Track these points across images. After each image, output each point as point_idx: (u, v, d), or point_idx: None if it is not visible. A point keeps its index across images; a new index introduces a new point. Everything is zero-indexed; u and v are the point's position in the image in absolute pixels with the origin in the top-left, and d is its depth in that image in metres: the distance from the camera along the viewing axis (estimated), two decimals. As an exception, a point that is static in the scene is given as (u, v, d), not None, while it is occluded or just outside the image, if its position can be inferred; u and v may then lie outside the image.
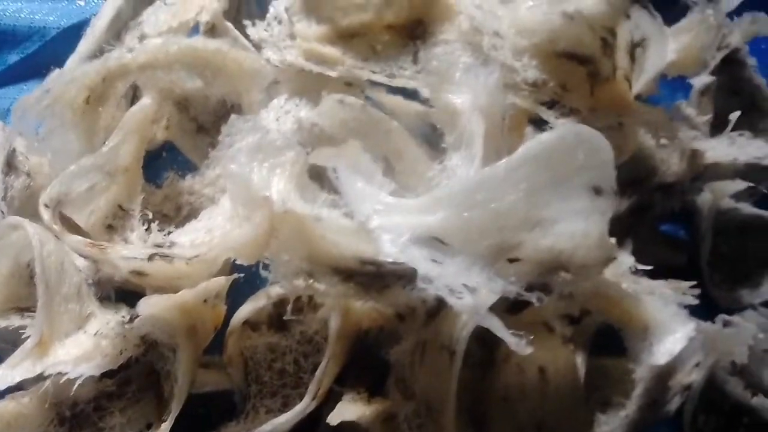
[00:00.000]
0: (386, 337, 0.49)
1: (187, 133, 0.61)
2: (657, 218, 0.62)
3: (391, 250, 0.32)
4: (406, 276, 0.43)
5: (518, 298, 0.34)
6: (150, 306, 0.41)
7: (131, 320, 0.47)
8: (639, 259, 0.52)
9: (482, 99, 0.46)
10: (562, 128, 0.33)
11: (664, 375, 0.49)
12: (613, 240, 0.43)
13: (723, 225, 0.62)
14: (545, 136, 0.32)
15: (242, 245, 0.42)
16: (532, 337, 0.33)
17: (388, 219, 0.34)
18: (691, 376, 0.52)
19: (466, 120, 0.46)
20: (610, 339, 0.52)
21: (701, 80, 0.61)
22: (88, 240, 0.43)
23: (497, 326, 0.31)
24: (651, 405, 0.50)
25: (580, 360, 0.51)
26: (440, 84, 0.47)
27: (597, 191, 0.34)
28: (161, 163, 0.63)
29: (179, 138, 0.61)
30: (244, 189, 0.43)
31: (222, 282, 0.44)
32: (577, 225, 0.34)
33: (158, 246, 0.43)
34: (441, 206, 0.33)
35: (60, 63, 0.70)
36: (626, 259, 0.45)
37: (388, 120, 0.47)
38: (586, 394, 0.50)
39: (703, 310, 0.54)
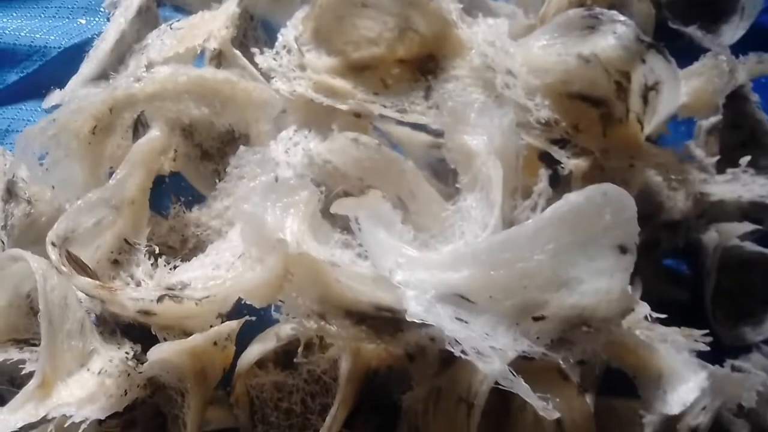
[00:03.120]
0: (396, 376, 0.49)
1: (191, 160, 0.60)
2: (662, 255, 0.62)
3: (416, 309, 0.32)
4: (419, 324, 0.42)
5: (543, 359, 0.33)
6: (161, 352, 0.40)
7: (135, 358, 0.46)
8: (643, 295, 0.53)
9: (497, 141, 0.46)
10: (590, 189, 0.32)
11: (673, 420, 0.49)
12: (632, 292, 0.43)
13: (726, 262, 0.62)
14: (573, 197, 0.32)
15: (255, 287, 0.42)
16: (549, 396, 0.33)
17: (411, 274, 0.34)
18: (698, 419, 0.52)
19: (481, 162, 0.45)
20: (616, 378, 0.52)
21: (709, 121, 0.61)
22: (98, 282, 0.42)
23: (525, 390, 0.31)
24: (658, 448, 0.50)
25: (588, 401, 0.51)
26: (455, 125, 0.47)
27: (622, 250, 0.34)
28: (163, 189, 0.62)
29: (183, 165, 0.60)
30: (258, 230, 0.42)
31: (233, 326, 0.43)
32: (601, 283, 0.34)
33: (169, 288, 0.42)
34: (466, 263, 0.33)
35: (60, 83, 0.70)
36: (642, 309, 0.44)
37: (402, 160, 0.47)
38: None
39: (708, 347, 0.54)
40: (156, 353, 0.40)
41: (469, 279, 0.33)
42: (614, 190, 0.33)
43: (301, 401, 0.49)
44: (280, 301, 0.43)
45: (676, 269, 0.66)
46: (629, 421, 0.52)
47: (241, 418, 0.48)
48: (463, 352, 0.31)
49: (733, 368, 0.51)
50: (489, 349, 0.31)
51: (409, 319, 0.33)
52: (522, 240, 0.32)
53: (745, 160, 0.57)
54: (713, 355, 0.54)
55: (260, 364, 0.50)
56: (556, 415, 0.31)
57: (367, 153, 0.46)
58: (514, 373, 0.31)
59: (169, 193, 0.61)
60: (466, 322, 0.32)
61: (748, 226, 0.58)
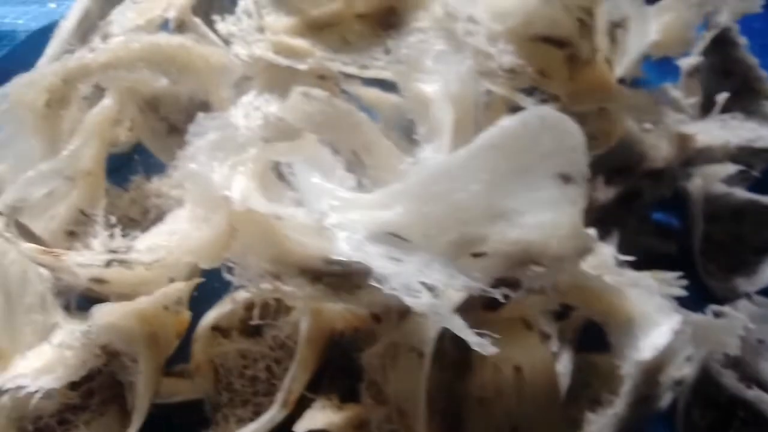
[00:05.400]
0: (363, 339, 0.47)
1: (157, 134, 0.59)
2: (647, 206, 0.60)
3: (345, 248, 0.30)
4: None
5: (484, 295, 0.31)
6: (105, 314, 0.39)
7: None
8: (627, 249, 0.50)
9: (453, 86, 0.44)
10: (525, 112, 0.30)
11: (652, 370, 0.47)
12: (591, 231, 0.40)
13: (716, 211, 0.59)
14: (507, 122, 0.30)
15: (201, 248, 0.41)
16: (499, 337, 0.31)
17: (344, 215, 0.32)
18: (682, 369, 0.50)
19: (436, 109, 0.43)
20: (599, 334, 0.50)
21: (688, 62, 0.58)
22: (42, 247, 0.41)
23: (458, 326, 0.29)
24: (641, 401, 0.48)
25: (566, 357, 0.49)
26: (410, 73, 0.45)
27: (565, 179, 0.32)
28: (133, 166, 0.61)
29: (150, 139, 0.59)
30: (203, 189, 0.41)
31: (181, 287, 0.42)
32: (545, 215, 0.32)
33: (114, 252, 0.41)
34: (398, 200, 0.31)
35: (30, 67, 0.69)
36: (608, 250, 0.42)
37: (355, 112, 0.45)
38: (576, 393, 0.48)
39: (698, 300, 0.52)
40: (101, 315, 0.39)
41: (402, 216, 0.31)
42: (553, 114, 0.31)
43: (266, 368, 0.48)
44: (232, 263, 0.42)
45: (666, 222, 0.64)
46: (610, 375, 0.50)
47: (204, 387, 0.47)
48: (392, 289, 0.29)
49: (716, 315, 0.48)
50: (420, 286, 0.29)
51: (335, 257, 0.31)
52: (454, 170, 0.30)
53: (723, 96, 0.54)
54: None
55: (224, 332, 0.49)
56: (493, 350, 0.29)
57: (319, 107, 0.45)
58: (446, 309, 0.29)
59: (138, 171, 0.60)
60: (399, 261, 0.30)
61: (731, 168, 0.56)
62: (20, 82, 0.50)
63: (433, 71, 0.45)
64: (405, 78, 0.46)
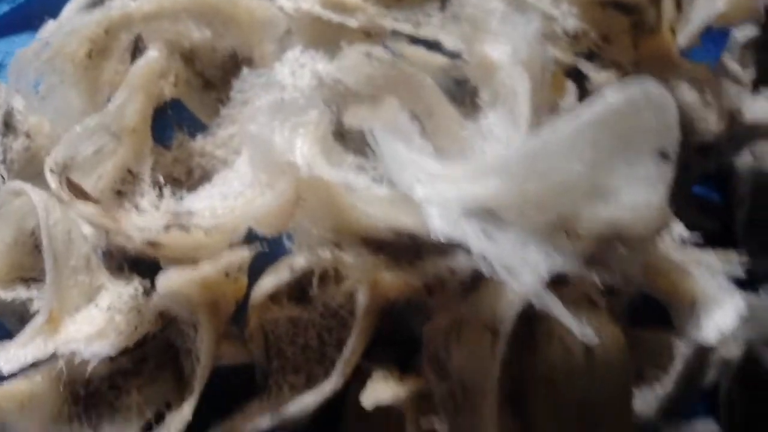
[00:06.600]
0: (414, 309, 0.47)
1: (193, 89, 0.57)
2: (692, 181, 0.59)
3: (441, 225, 0.29)
4: (441, 248, 0.40)
5: (574, 275, 0.31)
6: (169, 281, 0.38)
7: (147, 294, 0.44)
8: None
9: (522, 51, 0.42)
10: (631, 87, 0.29)
11: (708, 350, 0.47)
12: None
13: (761, 189, 0.59)
14: (612, 96, 0.29)
15: (265, 215, 0.39)
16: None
17: (434, 189, 0.31)
18: (731, 351, 0.50)
19: (504, 75, 0.42)
20: (642, 308, 0.50)
21: (744, 32, 0.57)
22: (101, 209, 0.40)
23: (560, 310, 0.29)
24: (689, 380, 0.48)
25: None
26: (475, 34, 0.43)
27: (663, 156, 0.31)
28: (166, 120, 0.59)
29: (185, 94, 0.57)
30: (266, 152, 0.40)
31: (244, 255, 0.41)
32: (639, 194, 0.31)
33: (176, 215, 0.39)
34: (495, 175, 0.30)
35: (54, 13, 0.65)
36: (676, 228, 0.42)
37: (420, 75, 0.44)
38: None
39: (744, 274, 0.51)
40: (165, 283, 0.38)
41: (499, 192, 0.30)
42: (656, 89, 0.30)
43: (317, 336, 0.47)
44: (292, 229, 0.41)
45: (707, 197, 0.63)
46: (658, 353, 0.50)
47: (256, 354, 0.46)
48: (491, 270, 0.28)
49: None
50: (520, 266, 0.28)
51: (433, 237, 0.30)
52: (558, 147, 0.29)
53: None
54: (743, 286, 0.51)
55: (274, 298, 0.48)
56: (595, 340, 0.29)
57: (382, 68, 0.43)
58: (548, 292, 0.29)
59: (172, 124, 0.58)
60: (494, 240, 0.29)
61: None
62: (61, 31, 0.47)
63: (499, 33, 0.43)
64: (469, 39, 0.44)
